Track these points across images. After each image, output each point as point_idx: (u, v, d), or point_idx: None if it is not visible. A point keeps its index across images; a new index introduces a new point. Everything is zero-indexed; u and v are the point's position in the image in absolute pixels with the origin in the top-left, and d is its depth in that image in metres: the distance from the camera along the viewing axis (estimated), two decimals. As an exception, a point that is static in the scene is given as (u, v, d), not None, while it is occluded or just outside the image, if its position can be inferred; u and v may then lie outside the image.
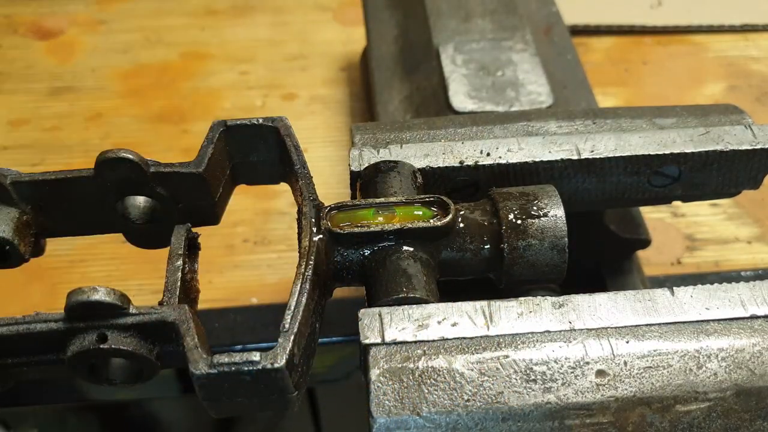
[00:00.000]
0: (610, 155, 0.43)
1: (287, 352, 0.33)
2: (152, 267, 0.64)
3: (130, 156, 0.38)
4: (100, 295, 0.33)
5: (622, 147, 0.43)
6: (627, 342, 0.35)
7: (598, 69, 0.84)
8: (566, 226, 0.39)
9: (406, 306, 0.36)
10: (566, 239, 0.39)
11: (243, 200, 0.71)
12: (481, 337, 0.35)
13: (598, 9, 0.90)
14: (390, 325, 0.35)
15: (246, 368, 0.32)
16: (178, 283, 0.36)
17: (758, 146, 0.44)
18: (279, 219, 0.70)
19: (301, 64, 0.87)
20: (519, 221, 0.39)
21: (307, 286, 0.35)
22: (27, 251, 0.41)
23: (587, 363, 0.34)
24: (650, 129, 0.45)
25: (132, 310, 0.34)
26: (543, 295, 0.37)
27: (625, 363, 0.34)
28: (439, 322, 0.35)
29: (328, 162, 0.75)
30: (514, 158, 0.43)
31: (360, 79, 0.84)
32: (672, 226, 0.69)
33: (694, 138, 0.44)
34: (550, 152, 0.43)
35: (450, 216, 0.38)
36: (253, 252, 0.68)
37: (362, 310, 0.36)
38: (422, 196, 0.39)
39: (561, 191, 0.41)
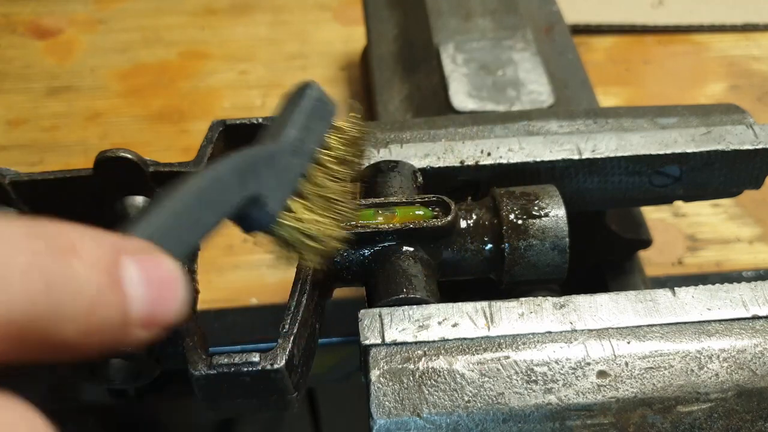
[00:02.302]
0: (612, 155, 0.43)
1: (287, 352, 0.32)
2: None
3: (129, 155, 0.38)
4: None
5: (624, 147, 0.43)
6: (628, 342, 0.35)
7: (599, 68, 0.84)
8: (567, 226, 0.39)
9: (406, 306, 0.36)
10: (567, 239, 0.39)
11: (243, 200, 0.71)
12: (481, 337, 0.35)
13: (599, 8, 0.90)
14: (390, 326, 0.35)
15: (245, 369, 0.32)
16: (177, 284, 0.36)
17: (760, 146, 0.43)
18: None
19: (300, 64, 0.86)
20: (520, 221, 0.39)
21: (307, 287, 0.35)
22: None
23: (588, 364, 0.34)
24: (651, 129, 0.45)
25: (131, 311, 0.34)
26: (544, 296, 0.37)
27: (627, 363, 0.34)
28: (439, 323, 0.35)
29: (328, 162, 0.74)
30: (515, 158, 0.43)
31: (360, 78, 0.83)
32: (673, 226, 0.69)
33: (696, 138, 0.44)
34: (551, 152, 0.43)
35: (451, 216, 0.38)
36: (253, 252, 0.68)
37: (362, 311, 0.36)
38: (423, 196, 0.39)
39: (562, 191, 0.41)
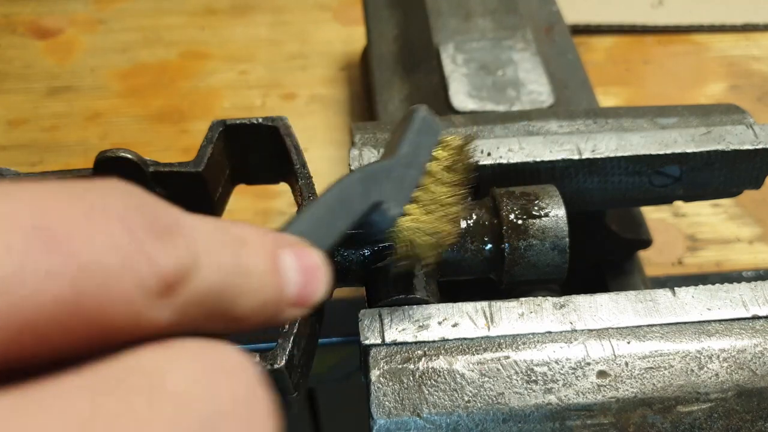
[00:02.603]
0: (612, 155, 0.43)
1: (287, 352, 0.32)
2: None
3: (129, 155, 0.38)
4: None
5: (624, 147, 0.43)
6: (628, 342, 0.35)
7: (599, 68, 0.84)
8: (567, 226, 0.39)
9: (406, 306, 0.36)
10: (567, 239, 0.39)
11: (243, 200, 0.71)
12: (481, 337, 0.35)
13: (599, 8, 0.90)
14: (390, 326, 0.35)
15: (245, 369, 0.32)
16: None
17: (760, 146, 0.43)
18: (279, 219, 0.69)
19: (300, 64, 0.86)
20: (520, 221, 0.39)
21: (307, 287, 0.35)
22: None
23: (588, 364, 0.34)
24: (651, 129, 0.45)
25: (131, 311, 0.34)
26: (544, 296, 0.37)
27: (627, 363, 0.34)
28: (439, 323, 0.35)
29: (328, 162, 0.75)
30: (515, 158, 0.43)
31: (360, 78, 0.83)
32: (673, 226, 0.69)
33: (696, 138, 0.44)
34: (551, 152, 0.43)
35: (450, 216, 0.38)
36: (253, 252, 0.68)
37: (362, 311, 0.36)
38: (422, 196, 0.39)
39: (562, 191, 0.41)
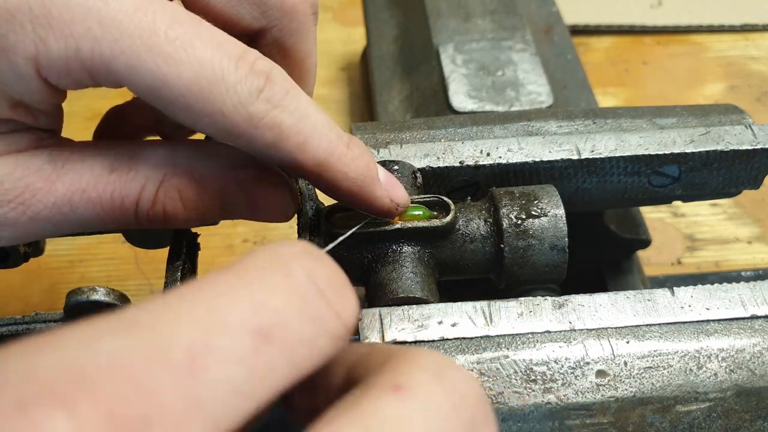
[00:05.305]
0: (610, 155, 0.43)
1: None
2: (152, 267, 0.64)
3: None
4: (99, 295, 0.33)
5: (622, 147, 0.43)
6: (627, 342, 0.35)
7: (598, 69, 0.84)
8: (566, 226, 0.39)
9: (405, 306, 0.36)
10: (566, 239, 0.39)
11: (243, 200, 0.71)
12: (481, 337, 0.35)
13: (598, 9, 0.90)
14: (390, 326, 0.35)
15: (246, 368, 0.32)
16: (178, 283, 0.36)
17: (758, 146, 0.44)
18: (279, 219, 0.70)
19: (300, 64, 0.86)
20: (519, 221, 0.39)
21: (307, 286, 0.35)
22: (26, 251, 0.41)
23: (587, 363, 0.34)
24: (650, 129, 0.45)
25: (131, 311, 0.34)
26: (543, 296, 0.37)
27: (626, 363, 0.34)
28: (438, 323, 0.35)
29: (327, 162, 0.75)
30: (514, 158, 0.43)
31: (360, 79, 0.84)
32: (672, 226, 0.69)
33: (694, 138, 0.44)
34: (550, 152, 0.43)
35: (450, 216, 0.38)
36: (253, 252, 0.68)
37: (362, 310, 0.36)
38: (422, 196, 0.39)
39: (561, 191, 0.41)
